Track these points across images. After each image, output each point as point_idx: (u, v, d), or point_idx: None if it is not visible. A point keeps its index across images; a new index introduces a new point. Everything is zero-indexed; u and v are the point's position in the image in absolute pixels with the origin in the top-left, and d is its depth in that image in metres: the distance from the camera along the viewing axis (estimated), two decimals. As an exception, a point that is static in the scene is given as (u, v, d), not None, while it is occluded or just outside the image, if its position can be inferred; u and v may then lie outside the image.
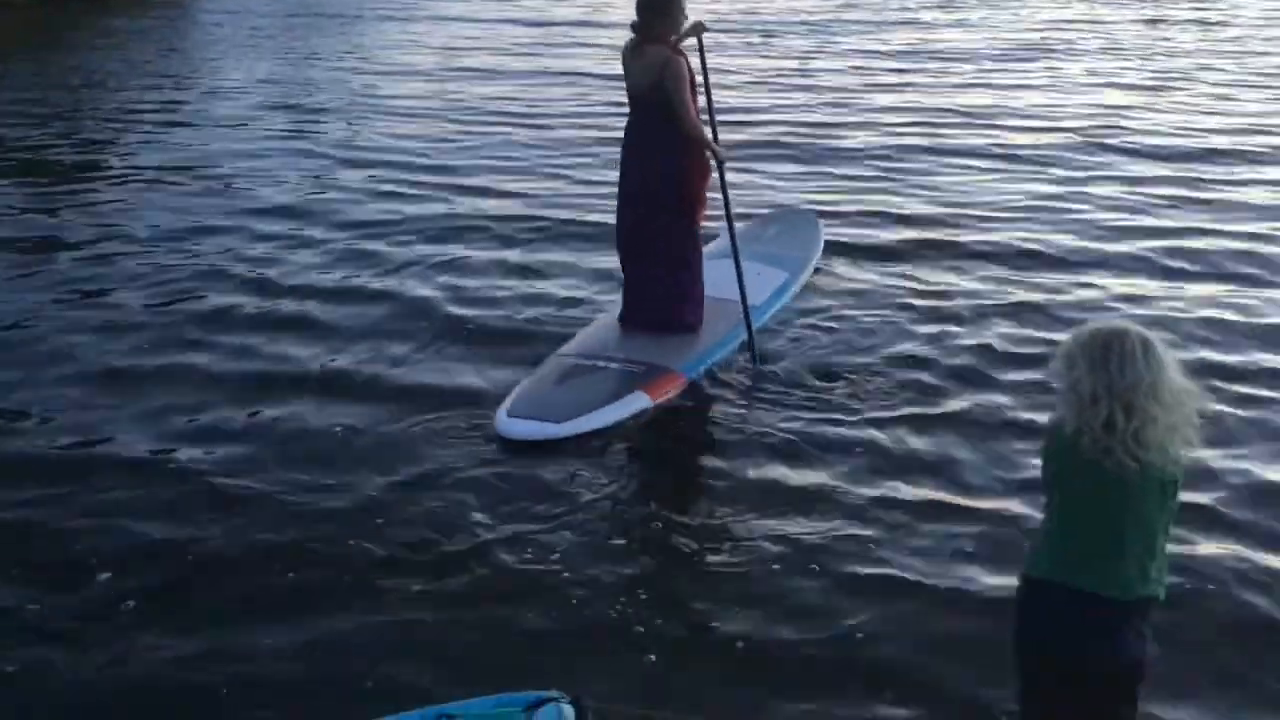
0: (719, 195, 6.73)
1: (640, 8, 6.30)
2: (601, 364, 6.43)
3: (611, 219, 7.01)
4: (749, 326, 6.63)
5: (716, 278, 6.82)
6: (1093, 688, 3.21)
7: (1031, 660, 3.29)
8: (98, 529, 5.19)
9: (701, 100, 6.59)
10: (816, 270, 7.91)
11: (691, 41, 6.51)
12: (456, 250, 8.81)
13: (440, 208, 9.84)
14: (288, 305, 7.81)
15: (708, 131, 6.54)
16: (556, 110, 13.33)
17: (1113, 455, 2.98)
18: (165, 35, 19.43)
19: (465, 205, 9.91)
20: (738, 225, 7.01)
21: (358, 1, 23.42)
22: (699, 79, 6.51)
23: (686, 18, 6.44)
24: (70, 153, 12.07)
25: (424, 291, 7.98)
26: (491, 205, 9.84)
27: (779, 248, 7.85)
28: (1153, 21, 18.82)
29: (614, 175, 6.94)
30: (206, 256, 8.72)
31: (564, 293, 7.91)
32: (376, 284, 8.14)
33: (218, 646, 4.42)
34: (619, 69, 6.60)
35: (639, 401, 6.12)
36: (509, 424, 5.91)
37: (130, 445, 5.98)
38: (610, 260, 7.47)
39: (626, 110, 6.68)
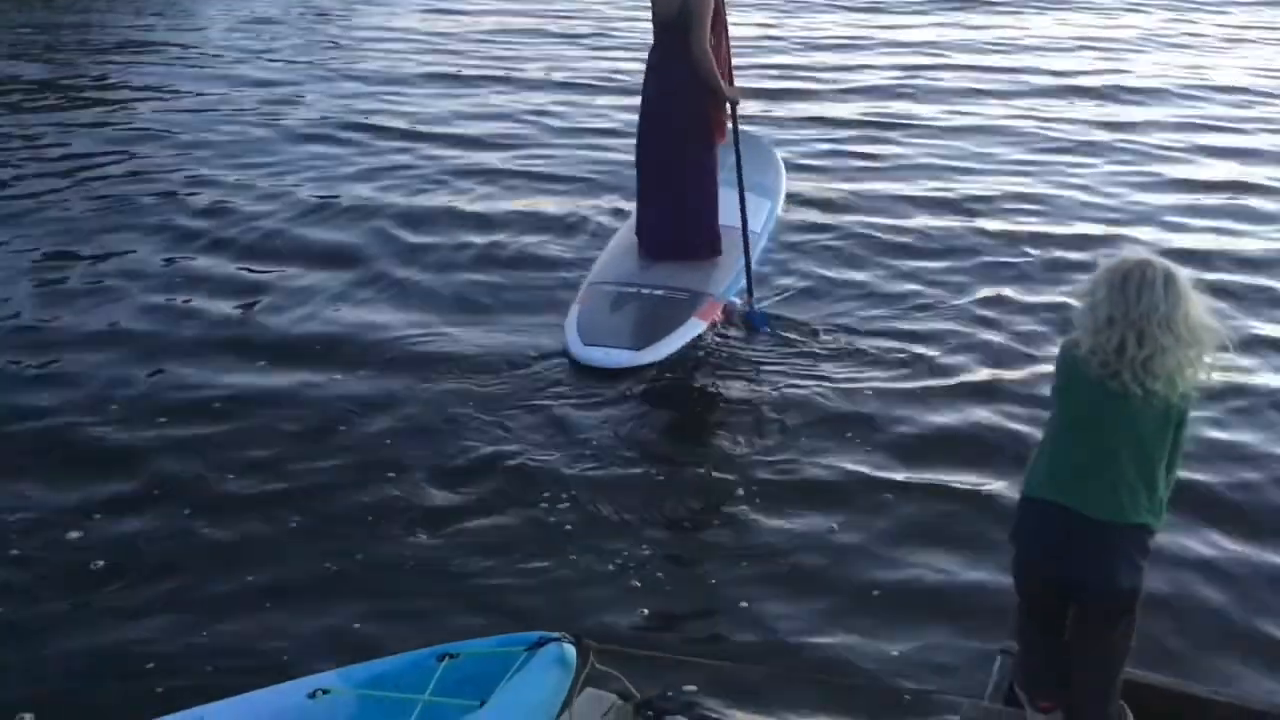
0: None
1: None
2: (645, 291, 6.63)
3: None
4: (749, 272, 6.70)
5: (726, 203, 6.97)
6: (1088, 613, 3.22)
7: (1026, 582, 3.32)
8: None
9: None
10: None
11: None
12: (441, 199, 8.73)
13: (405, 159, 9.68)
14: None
15: (725, 78, 6.66)
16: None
17: (1119, 379, 3.01)
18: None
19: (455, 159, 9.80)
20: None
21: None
22: (725, 24, 6.68)
23: None
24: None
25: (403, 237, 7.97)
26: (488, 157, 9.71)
27: (748, 174, 7.77)
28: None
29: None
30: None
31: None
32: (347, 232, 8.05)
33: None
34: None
35: (697, 327, 6.34)
36: (588, 352, 6.10)
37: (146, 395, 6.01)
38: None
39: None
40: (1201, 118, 10.72)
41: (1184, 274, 3.04)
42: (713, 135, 6.77)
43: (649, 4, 6.69)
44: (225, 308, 6.89)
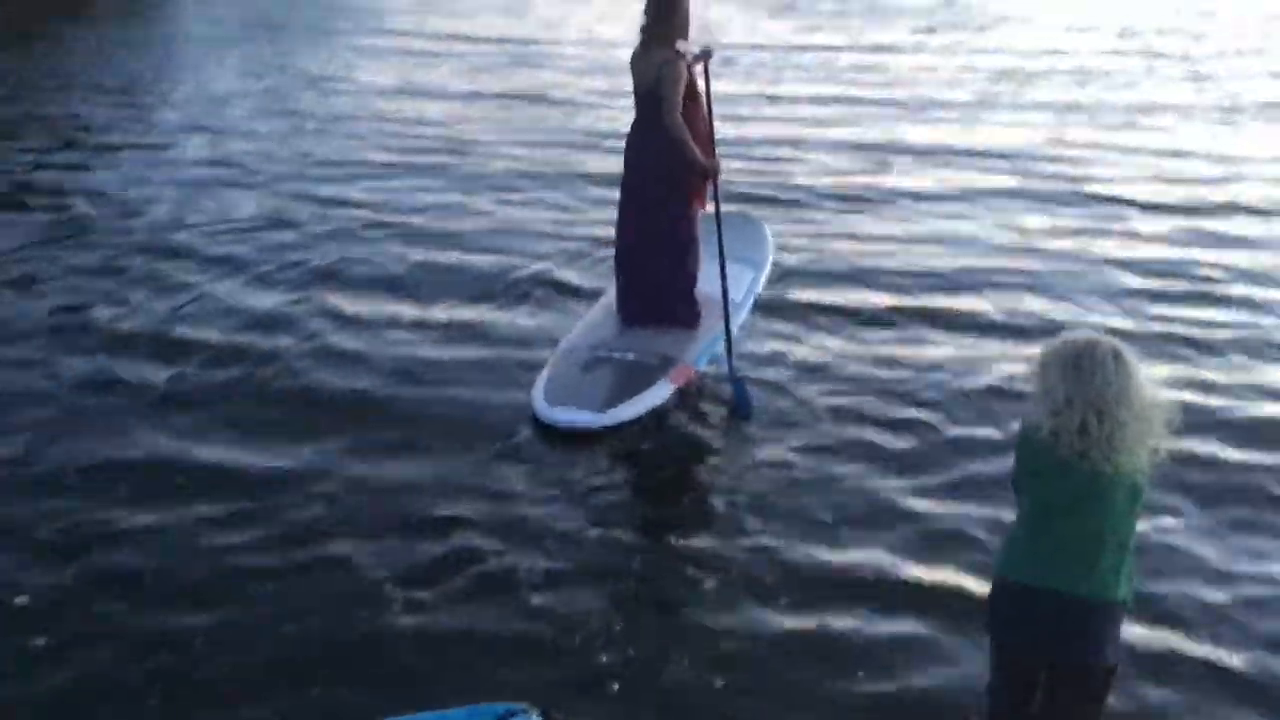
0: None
1: (647, 12, 6.59)
2: (618, 355, 6.70)
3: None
4: (729, 338, 6.74)
5: (707, 273, 7.09)
6: (1072, 689, 3.30)
7: (1011, 665, 3.39)
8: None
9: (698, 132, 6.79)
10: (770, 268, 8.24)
11: (694, 62, 6.74)
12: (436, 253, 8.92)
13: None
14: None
15: (705, 150, 6.79)
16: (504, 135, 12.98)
17: (1089, 458, 3.09)
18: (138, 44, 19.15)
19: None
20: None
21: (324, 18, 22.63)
22: (701, 94, 6.77)
23: (688, 30, 6.71)
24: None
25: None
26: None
27: (733, 247, 7.89)
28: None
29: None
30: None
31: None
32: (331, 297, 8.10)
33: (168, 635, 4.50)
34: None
35: (665, 391, 6.38)
36: (550, 411, 6.15)
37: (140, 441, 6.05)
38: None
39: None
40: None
41: (1127, 350, 3.16)
42: (691, 204, 6.85)
43: (630, 74, 6.81)
44: (158, 374, 6.82)
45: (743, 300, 7.48)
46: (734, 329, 6.83)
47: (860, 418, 6.34)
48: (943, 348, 7.27)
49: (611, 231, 7.28)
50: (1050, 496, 3.21)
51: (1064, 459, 3.12)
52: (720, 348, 6.77)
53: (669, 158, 6.64)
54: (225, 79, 15.62)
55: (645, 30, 6.62)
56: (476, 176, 11.04)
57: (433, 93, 14.97)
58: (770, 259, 8.25)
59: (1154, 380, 3.18)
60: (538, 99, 14.49)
